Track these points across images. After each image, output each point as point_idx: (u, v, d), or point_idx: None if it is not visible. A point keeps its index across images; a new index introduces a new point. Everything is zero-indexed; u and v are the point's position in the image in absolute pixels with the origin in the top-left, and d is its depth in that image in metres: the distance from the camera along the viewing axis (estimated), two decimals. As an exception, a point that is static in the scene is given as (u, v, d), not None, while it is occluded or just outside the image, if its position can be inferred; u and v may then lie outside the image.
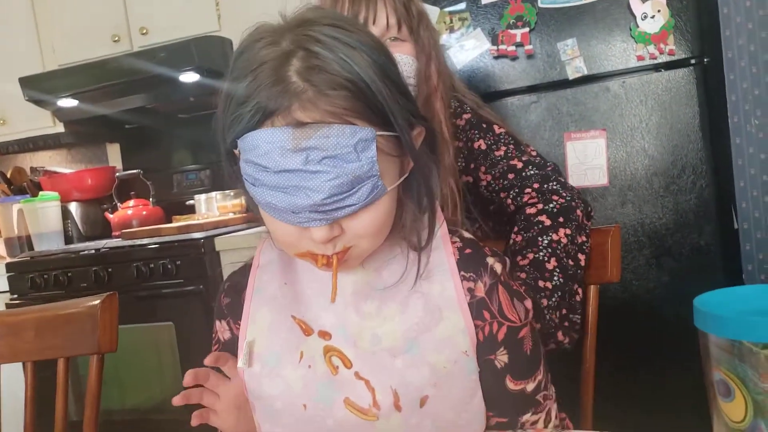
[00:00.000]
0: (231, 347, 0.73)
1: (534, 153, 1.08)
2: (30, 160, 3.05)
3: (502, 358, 0.65)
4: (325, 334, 0.64)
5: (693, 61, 1.59)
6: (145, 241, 2.17)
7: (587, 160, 1.65)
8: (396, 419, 0.63)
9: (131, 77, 2.26)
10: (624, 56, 1.63)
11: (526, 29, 1.67)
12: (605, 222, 1.65)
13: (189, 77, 2.28)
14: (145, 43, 2.39)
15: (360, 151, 0.54)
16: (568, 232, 0.96)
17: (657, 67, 1.62)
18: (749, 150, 1.69)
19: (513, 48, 1.68)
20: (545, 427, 0.69)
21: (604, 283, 0.99)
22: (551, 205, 0.99)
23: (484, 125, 1.09)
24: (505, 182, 1.04)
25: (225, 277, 2.20)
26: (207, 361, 0.67)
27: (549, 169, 1.06)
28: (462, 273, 0.65)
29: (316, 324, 0.65)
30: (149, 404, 2.14)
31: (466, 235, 0.69)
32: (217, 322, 0.75)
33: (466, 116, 1.10)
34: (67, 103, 2.43)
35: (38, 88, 2.38)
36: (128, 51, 2.38)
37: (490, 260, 0.66)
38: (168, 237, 2.17)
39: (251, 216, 2.39)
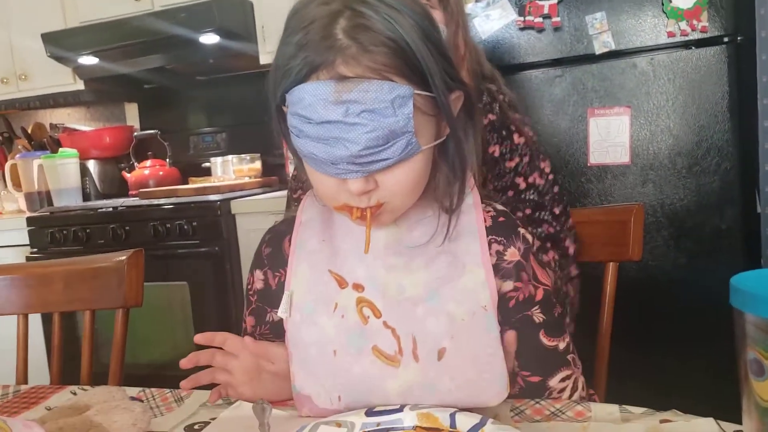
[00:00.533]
0: (264, 296, 0.77)
1: (547, 170, 1.05)
2: (50, 117, 3.07)
3: (538, 315, 0.69)
4: (358, 287, 0.68)
5: (726, 39, 1.55)
6: (162, 201, 2.19)
7: (610, 137, 1.64)
8: (414, 369, 0.65)
9: (152, 37, 2.26)
10: (654, 32, 1.60)
11: (555, 1, 1.64)
12: (625, 201, 1.64)
13: (209, 39, 2.27)
14: (167, 2, 2.37)
15: (397, 107, 0.57)
16: (556, 257, 0.97)
17: (687, 45, 1.59)
18: (776, 133, 1.67)
19: (540, 19, 1.65)
20: (570, 397, 0.70)
21: (624, 261, 0.99)
22: (539, 229, 1.00)
23: (504, 132, 1.04)
24: (503, 197, 1.03)
25: (240, 239, 2.22)
26: (198, 339, 0.72)
27: (547, 197, 1.03)
28: (492, 237, 0.69)
29: (350, 277, 0.68)
30: (161, 360, 2.19)
31: (500, 207, 0.73)
32: (255, 272, 0.79)
33: (490, 116, 1.06)
34: (88, 60, 2.43)
35: (60, 44, 2.38)
36: (149, 10, 2.36)
37: (521, 230, 0.71)
38: (185, 198, 2.18)
39: (267, 180, 2.41)
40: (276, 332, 0.77)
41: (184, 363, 0.71)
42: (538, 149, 1.06)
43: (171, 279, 2.11)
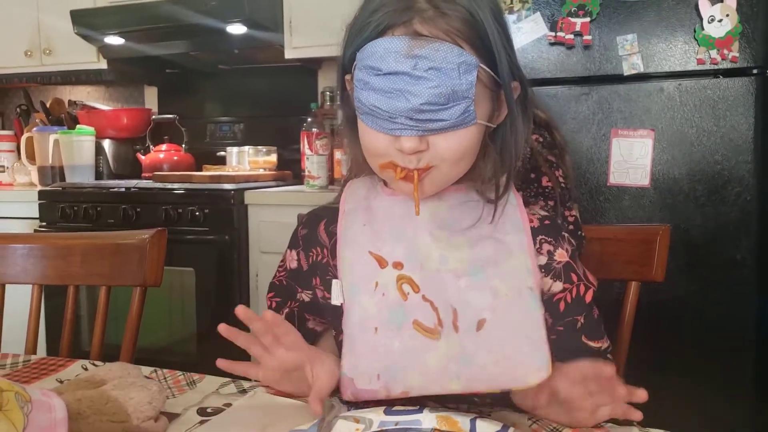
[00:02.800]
0: (296, 276, 0.79)
1: (571, 218, 0.99)
2: (69, 93, 3.08)
3: (579, 318, 0.69)
4: (398, 264, 0.69)
5: (755, 71, 1.55)
6: (176, 185, 2.19)
7: (631, 159, 1.63)
8: (455, 340, 0.65)
9: (179, 22, 2.26)
10: (684, 58, 1.60)
11: (587, 19, 1.64)
12: (641, 223, 1.63)
13: (236, 29, 2.28)
14: (198, -11, 2.38)
15: (462, 72, 0.60)
16: None
17: (716, 73, 1.59)
18: (797, 169, 1.66)
19: (571, 36, 1.65)
20: None
21: (646, 282, 0.98)
22: None
23: (533, 175, 0.98)
24: None
25: (250, 230, 2.22)
26: (240, 313, 0.68)
27: None
28: (542, 236, 0.70)
29: (390, 256, 0.69)
30: (157, 346, 2.19)
31: (542, 212, 0.74)
32: (288, 252, 0.81)
33: (518, 163, 0.99)
34: (114, 40, 2.44)
35: (88, 22, 2.39)
36: (180, -5, 2.37)
37: (566, 233, 0.72)
38: (199, 184, 2.18)
39: (282, 174, 2.41)
40: (305, 310, 0.79)
41: (223, 329, 0.70)
42: (568, 194, 1.02)
43: (178, 264, 2.11)
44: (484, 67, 0.62)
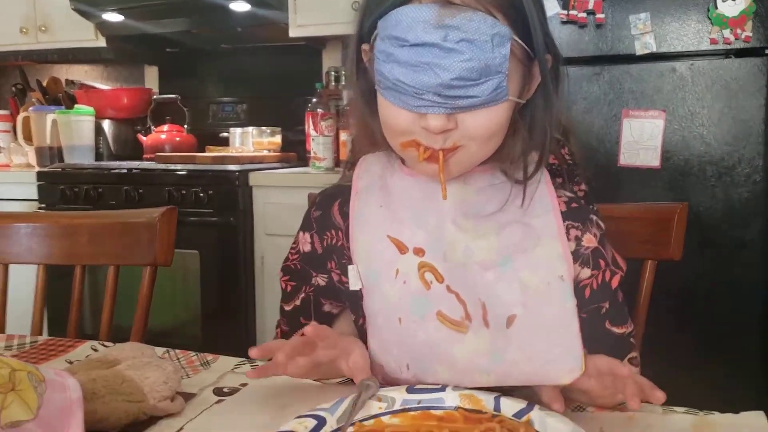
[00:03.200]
0: (310, 260, 0.76)
1: (581, 193, 1.00)
2: (66, 72, 3.03)
3: (604, 304, 0.67)
4: (419, 251, 0.66)
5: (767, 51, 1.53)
6: (179, 166, 2.16)
7: (642, 140, 1.61)
8: (484, 335, 0.62)
9: (181, -2, 2.22)
10: (697, 37, 1.57)
11: (600, -3, 1.61)
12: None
13: (239, 6, 2.23)
14: (199, -36, 2.33)
15: (495, 45, 0.56)
16: None
17: (729, 53, 1.56)
18: (809, 150, 1.65)
19: (584, 15, 1.62)
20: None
21: (663, 260, 0.97)
22: None
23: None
24: None
25: (255, 212, 2.19)
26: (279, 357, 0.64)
27: None
28: (569, 222, 0.66)
29: (411, 242, 0.66)
30: (160, 328, 2.17)
31: (569, 193, 0.70)
32: (301, 234, 0.77)
33: None
34: (113, 17, 2.39)
35: (86, -2, 2.34)
36: (181, -29, 2.32)
37: (594, 216, 0.68)
38: (203, 165, 2.16)
39: (286, 156, 2.37)
40: (321, 294, 0.76)
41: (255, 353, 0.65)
42: (575, 170, 1.01)
43: (182, 247, 2.05)
44: (518, 39, 0.58)
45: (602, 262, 0.67)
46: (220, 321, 2.08)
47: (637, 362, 0.70)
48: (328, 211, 0.74)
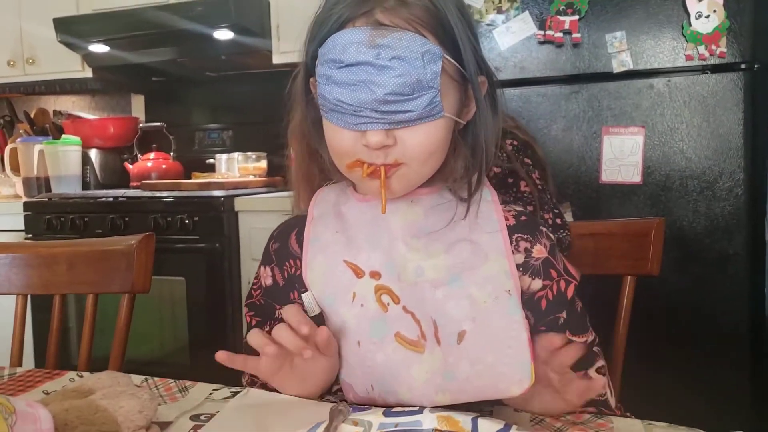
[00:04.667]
0: (272, 294, 0.76)
1: (551, 221, 1.01)
2: (54, 103, 3.04)
3: (561, 315, 0.68)
4: (375, 274, 0.67)
5: (743, 66, 1.55)
6: (164, 193, 2.16)
7: (623, 156, 1.63)
8: (437, 354, 0.63)
9: (165, 29, 2.24)
10: (672, 54, 1.60)
11: (576, 17, 1.64)
12: (634, 220, 1.63)
13: (223, 35, 2.26)
14: (183, -5, 2.36)
15: (426, 62, 0.58)
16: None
17: (705, 69, 1.59)
18: (787, 163, 1.67)
19: (560, 35, 1.65)
20: (611, 396, 0.69)
21: (642, 275, 0.98)
22: None
23: (511, 180, 1.00)
24: None
25: (241, 238, 2.18)
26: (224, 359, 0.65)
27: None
28: (518, 234, 0.68)
29: (366, 265, 0.67)
30: (148, 357, 2.15)
31: (519, 208, 0.72)
32: (262, 268, 0.78)
33: (495, 169, 1.01)
34: (99, 48, 2.41)
35: (71, 30, 2.36)
36: (165, 2, 2.35)
37: (543, 229, 0.70)
38: (188, 192, 2.16)
39: (272, 180, 2.37)
40: None
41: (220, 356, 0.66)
42: (548, 198, 1.02)
43: (168, 273, 2.08)
44: (449, 58, 0.60)
45: (554, 272, 0.68)
46: (208, 348, 2.04)
47: (605, 371, 0.70)
48: (286, 242, 0.75)
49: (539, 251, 0.68)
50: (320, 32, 0.62)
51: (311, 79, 0.67)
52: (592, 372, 0.68)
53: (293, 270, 0.74)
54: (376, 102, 0.58)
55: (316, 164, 0.72)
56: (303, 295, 0.69)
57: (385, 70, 0.57)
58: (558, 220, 0.99)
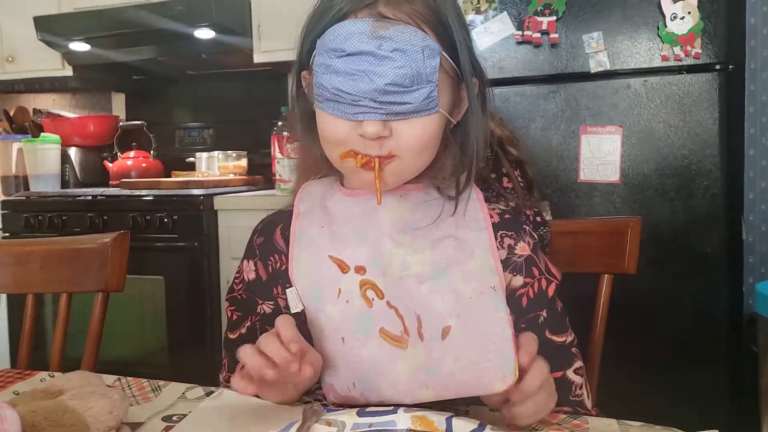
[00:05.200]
0: (254, 288, 0.76)
1: (531, 218, 1.01)
2: (33, 101, 3.00)
3: (542, 313, 0.68)
4: (360, 269, 0.67)
5: (718, 67, 1.58)
6: (143, 192, 2.14)
7: (601, 155, 1.65)
8: (421, 349, 0.63)
9: (146, 27, 2.22)
10: (649, 55, 1.62)
11: (553, 18, 1.65)
12: (612, 219, 1.64)
13: (204, 33, 2.24)
14: (164, -7, 2.34)
15: (426, 56, 0.59)
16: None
17: (680, 69, 1.61)
18: (762, 163, 1.70)
19: (538, 35, 1.66)
20: (587, 394, 0.70)
21: (619, 274, 0.98)
22: None
23: (493, 175, 1.03)
24: None
25: (220, 236, 2.17)
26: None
27: None
28: (503, 231, 0.69)
29: (351, 261, 0.67)
30: (129, 358, 2.13)
31: (503, 206, 0.73)
32: (245, 262, 0.77)
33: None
34: (79, 46, 2.38)
35: (52, 29, 2.33)
36: (146, 1, 2.33)
37: (527, 227, 0.71)
38: (167, 191, 2.14)
39: (252, 179, 2.36)
40: (267, 323, 0.74)
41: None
42: (528, 194, 1.03)
43: (147, 272, 2.06)
44: (446, 56, 0.62)
45: (535, 270, 0.69)
46: (187, 347, 2.04)
47: (582, 372, 0.70)
48: (271, 236, 0.75)
49: (522, 248, 0.69)
50: (320, 23, 0.62)
51: (303, 73, 0.67)
52: (570, 373, 0.69)
53: (278, 265, 0.73)
54: (376, 92, 0.59)
55: (309, 153, 0.73)
56: (287, 291, 0.69)
57: (386, 61, 0.58)
58: (538, 218, 1.00)
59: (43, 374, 0.84)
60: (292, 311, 0.68)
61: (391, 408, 0.61)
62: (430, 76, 0.60)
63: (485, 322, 0.63)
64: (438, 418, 0.59)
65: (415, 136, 0.62)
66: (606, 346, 0.99)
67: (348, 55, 0.59)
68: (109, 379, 0.79)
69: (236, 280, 0.78)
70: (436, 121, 0.63)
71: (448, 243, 0.66)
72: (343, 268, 0.67)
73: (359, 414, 0.60)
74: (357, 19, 0.60)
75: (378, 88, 0.59)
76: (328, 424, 0.59)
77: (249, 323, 0.76)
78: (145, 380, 0.79)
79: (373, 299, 0.65)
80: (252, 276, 0.76)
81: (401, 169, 0.64)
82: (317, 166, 0.73)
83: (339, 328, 0.66)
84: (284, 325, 0.60)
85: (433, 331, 0.63)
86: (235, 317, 0.78)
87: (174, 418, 0.69)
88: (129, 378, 0.80)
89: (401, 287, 0.65)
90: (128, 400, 0.68)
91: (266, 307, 0.75)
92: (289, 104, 0.75)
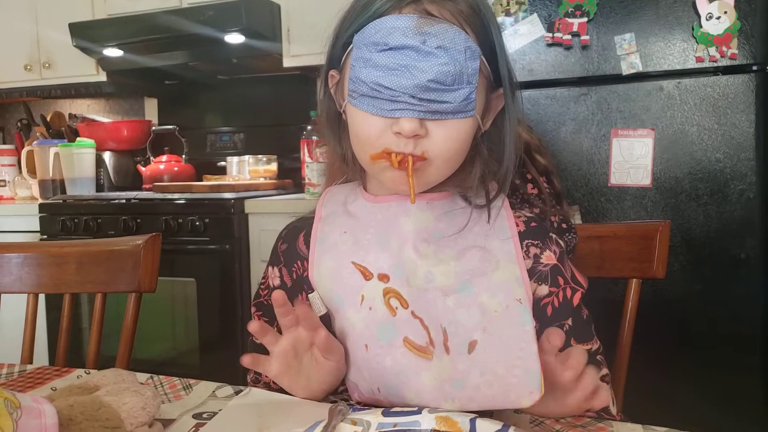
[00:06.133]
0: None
1: (556, 224, 1.00)
2: (69, 107, 3.09)
3: (567, 322, 0.67)
4: (384, 277, 0.66)
5: (755, 68, 1.54)
6: (176, 195, 2.18)
7: (632, 159, 1.62)
8: (446, 361, 0.63)
9: (177, 33, 2.27)
10: (683, 56, 1.59)
11: (584, 19, 1.64)
12: (644, 223, 1.62)
13: (234, 38, 2.28)
14: (195, 0, 2.39)
15: (468, 57, 0.59)
16: None
17: (716, 71, 1.57)
18: (800, 166, 1.65)
19: (569, 37, 1.65)
20: (613, 404, 0.68)
21: (647, 279, 0.97)
22: None
23: (518, 181, 1.00)
24: None
25: (251, 239, 2.20)
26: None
27: None
28: (528, 240, 0.68)
29: (375, 267, 0.66)
30: (161, 358, 2.17)
31: (529, 213, 0.72)
32: (270, 268, 0.77)
33: None
34: (113, 52, 2.45)
35: (86, 35, 2.40)
36: (177, 7, 2.38)
37: (553, 235, 0.70)
38: (199, 194, 2.18)
39: (282, 183, 2.37)
40: None
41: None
42: (556, 201, 1.02)
43: (179, 275, 2.10)
44: (484, 60, 0.61)
45: (561, 280, 0.68)
46: (218, 348, 2.07)
47: (608, 379, 0.69)
48: (294, 243, 0.75)
49: (548, 257, 0.68)
50: (359, 19, 0.62)
51: (331, 72, 0.67)
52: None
53: (301, 272, 0.73)
54: (417, 88, 0.58)
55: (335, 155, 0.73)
56: (309, 296, 0.69)
57: (430, 57, 0.58)
58: (564, 224, 0.99)
59: (80, 371, 0.86)
60: (317, 314, 0.68)
61: (416, 408, 0.61)
62: (471, 77, 0.59)
63: (511, 336, 0.61)
64: (462, 419, 0.59)
65: (449, 137, 0.62)
66: (637, 351, 0.98)
67: (390, 49, 0.58)
68: (142, 377, 0.81)
69: (262, 286, 0.79)
70: (470, 125, 0.62)
71: (473, 253, 0.65)
72: (366, 275, 0.67)
73: (384, 414, 0.60)
74: (401, 15, 0.60)
75: (420, 84, 0.58)
76: (354, 423, 0.59)
77: (276, 328, 0.77)
78: (177, 379, 0.81)
79: (396, 308, 0.65)
80: (277, 282, 0.77)
81: (429, 172, 0.64)
82: (342, 169, 0.73)
83: (362, 335, 0.66)
84: (301, 308, 0.62)
85: (459, 345, 0.62)
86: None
87: (204, 415, 0.70)
88: (161, 376, 0.81)
89: (426, 299, 0.64)
90: (160, 397, 0.70)
91: None
92: (317, 107, 0.74)
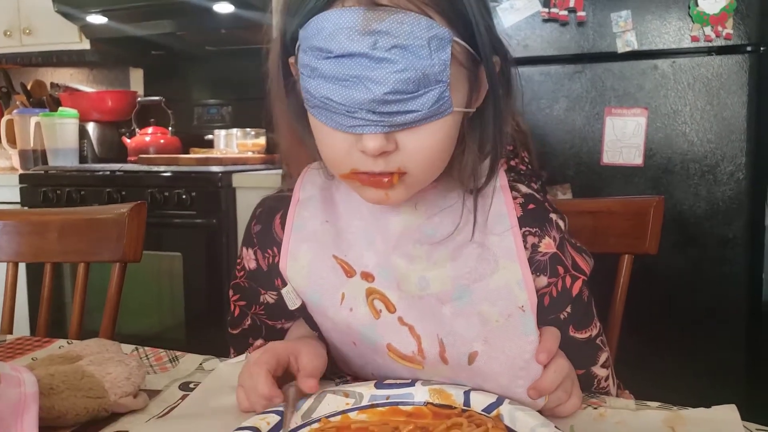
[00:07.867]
0: (256, 277, 0.70)
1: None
2: (51, 75, 3.01)
3: (565, 310, 0.63)
4: (367, 276, 0.61)
5: (749, 48, 1.53)
6: (162, 168, 2.14)
7: (625, 138, 1.61)
8: (443, 371, 0.60)
9: (164, 0, 2.20)
10: (678, 35, 1.57)
11: (581, -5, 1.61)
12: (634, 203, 1.62)
13: (223, 8, 2.23)
14: (183, -34, 2.32)
15: (433, 50, 0.49)
16: None
17: (710, 51, 1.56)
18: (791, 148, 1.65)
19: (565, 13, 1.62)
20: (614, 384, 0.67)
21: (639, 254, 0.96)
22: None
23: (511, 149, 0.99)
24: None
25: (239, 214, 2.16)
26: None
27: None
28: (526, 228, 0.61)
29: (358, 265, 0.61)
30: (146, 333, 2.15)
31: (524, 189, 0.64)
32: (244, 250, 0.71)
33: None
34: (97, 19, 2.38)
35: (69, 0, 2.32)
36: (165, -27, 2.31)
37: (553, 216, 0.63)
38: (185, 167, 2.14)
39: (271, 157, 2.31)
40: (271, 313, 0.72)
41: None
42: (534, 174, 1.00)
43: (165, 249, 2.07)
44: (459, 41, 0.50)
45: (560, 269, 0.62)
46: (204, 323, 2.06)
47: (609, 362, 0.67)
48: (269, 225, 0.67)
49: (547, 245, 0.61)
50: (302, 8, 0.51)
51: (290, 60, 0.57)
52: (596, 369, 0.65)
53: (275, 259, 0.66)
54: (374, 102, 0.49)
55: (304, 146, 0.62)
56: (282, 291, 0.64)
57: (383, 64, 0.48)
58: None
59: (61, 341, 0.84)
60: (290, 308, 0.64)
61: (409, 381, 0.60)
62: (440, 74, 0.49)
63: (514, 347, 0.57)
64: (456, 392, 0.58)
65: (426, 146, 0.53)
66: (627, 327, 0.98)
67: (336, 57, 0.49)
68: (127, 348, 0.79)
69: (238, 267, 0.73)
70: (449, 122, 0.53)
71: (470, 251, 0.59)
72: (349, 272, 0.61)
73: (377, 386, 0.59)
74: (344, 8, 0.48)
75: (376, 98, 0.48)
76: (346, 395, 0.58)
77: (249, 321, 0.73)
78: (163, 351, 0.79)
79: (381, 311, 0.60)
80: (252, 265, 0.70)
81: (412, 184, 0.56)
82: (303, 153, 0.64)
83: (347, 333, 0.62)
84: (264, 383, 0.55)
85: (458, 356, 0.58)
86: (237, 312, 0.74)
87: (191, 386, 0.68)
88: (147, 348, 0.80)
89: (420, 307, 0.59)
90: (145, 368, 0.68)
91: (269, 297, 0.70)
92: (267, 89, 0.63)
